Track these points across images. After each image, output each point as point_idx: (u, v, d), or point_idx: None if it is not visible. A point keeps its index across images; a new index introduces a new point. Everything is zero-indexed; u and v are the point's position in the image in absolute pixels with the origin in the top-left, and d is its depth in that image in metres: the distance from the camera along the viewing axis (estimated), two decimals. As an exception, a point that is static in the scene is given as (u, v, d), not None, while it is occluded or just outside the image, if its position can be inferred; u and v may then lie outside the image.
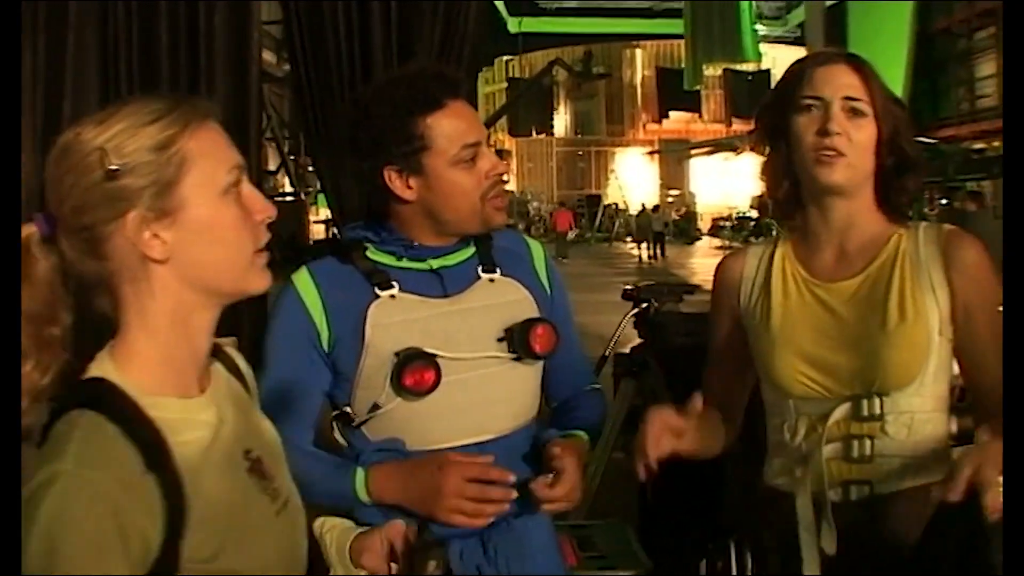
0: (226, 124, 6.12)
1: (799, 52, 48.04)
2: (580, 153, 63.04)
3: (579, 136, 64.04)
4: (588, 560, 4.18)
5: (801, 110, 2.42)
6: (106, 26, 8.36)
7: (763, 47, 52.53)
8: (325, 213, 21.05)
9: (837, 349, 2.40)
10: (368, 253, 2.54)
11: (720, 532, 2.76)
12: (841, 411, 2.39)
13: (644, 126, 63.07)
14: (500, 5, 56.89)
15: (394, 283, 2.48)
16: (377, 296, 2.46)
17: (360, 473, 2.41)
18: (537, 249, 2.75)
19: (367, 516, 2.39)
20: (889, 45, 33.03)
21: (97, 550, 1.44)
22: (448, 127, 2.43)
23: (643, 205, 41.59)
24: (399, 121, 2.42)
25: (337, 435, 2.56)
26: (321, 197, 19.83)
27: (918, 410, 2.37)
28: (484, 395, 2.48)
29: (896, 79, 32.24)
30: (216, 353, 1.81)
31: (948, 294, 2.35)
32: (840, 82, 2.41)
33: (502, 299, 2.55)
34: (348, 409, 2.51)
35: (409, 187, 2.46)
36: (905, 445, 2.37)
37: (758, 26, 52.79)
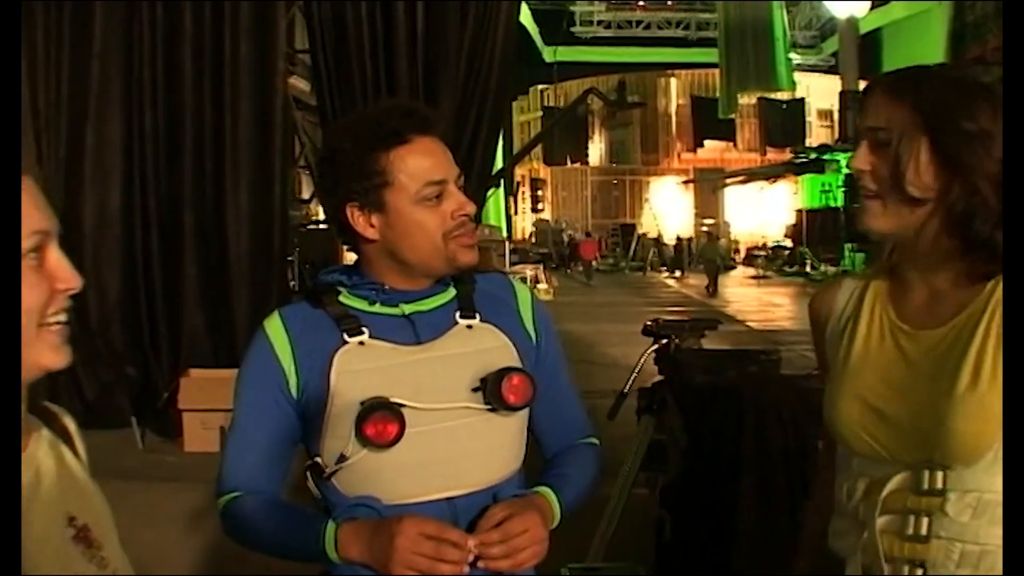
0: (251, 152, 6.12)
1: (833, 81, 48.29)
2: (615, 182, 62.98)
3: (614, 165, 63.97)
4: (601, 605, 4.11)
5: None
6: (131, 54, 8.40)
7: (797, 76, 52.45)
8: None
9: (903, 407, 2.13)
10: (341, 298, 2.47)
11: (734, 574, 2.66)
12: (898, 480, 2.13)
13: (678, 155, 62.97)
14: (535, 34, 57.04)
15: (364, 329, 2.40)
16: (345, 342, 2.38)
17: (331, 529, 2.31)
18: (524, 294, 2.65)
19: (338, 571, 2.34)
20: (923, 75, 33.06)
21: None
22: (411, 163, 2.36)
23: (709, 234, 40.64)
24: (361, 156, 2.36)
25: (310, 486, 2.47)
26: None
27: (988, 490, 2.04)
28: (456, 448, 2.38)
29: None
30: (49, 420, 1.74)
31: None
32: (867, 111, 2.17)
33: (479, 346, 2.45)
34: (318, 459, 2.43)
35: (372, 225, 2.40)
36: (968, 529, 2.05)
37: (792, 55, 52.72)
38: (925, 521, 2.08)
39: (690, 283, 39.45)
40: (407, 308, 2.45)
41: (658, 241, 52.74)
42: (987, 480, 2.03)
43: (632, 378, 5.82)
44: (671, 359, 5.41)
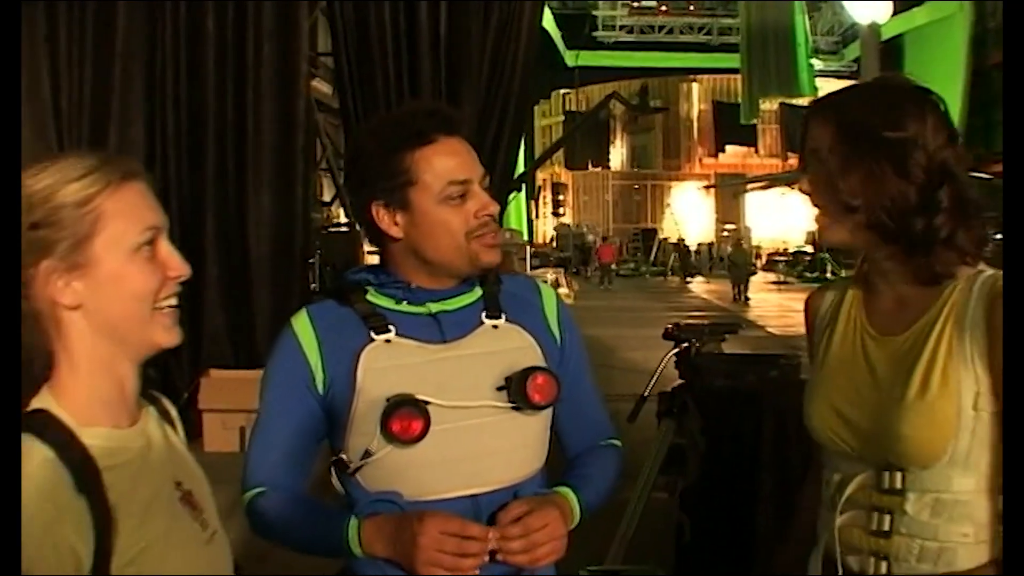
0: (273, 154, 6.14)
1: (856, 87, 47.87)
2: (636, 187, 63.07)
3: (635, 169, 64.07)
4: (619, 607, 4.11)
5: None
6: (153, 55, 8.42)
7: (819, 81, 52.23)
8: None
9: (864, 411, 2.24)
10: (368, 296, 2.48)
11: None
12: (863, 478, 2.25)
13: (700, 160, 63.06)
14: (557, 38, 57.06)
15: (391, 327, 2.42)
16: (372, 340, 2.40)
17: (353, 525, 2.32)
18: (549, 295, 2.66)
19: (360, 567, 2.36)
20: (944, 80, 32.87)
21: (32, 565, 1.54)
22: (436, 163, 2.38)
23: (739, 240, 40.34)
24: (386, 155, 2.39)
25: (335, 482, 2.49)
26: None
27: (945, 490, 2.15)
28: (480, 446, 2.39)
29: (951, 114, 32.04)
30: (153, 400, 1.97)
31: (988, 363, 2.10)
32: (807, 135, 2.34)
33: (504, 346, 2.47)
34: (344, 456, 2.45)
35: (396, 223, 2.42)
36: (927, 527, 2.17)
37: (814, 61, 52.65)
38: (887, 518, 2.21)
39: (711, 288, 39.42)
40: (433, 307, 2.47)
41: (678, 246, 52.71)
42: (944, 481, 2.15)
43: (652, 382, 5.81)
44: (691, 363, 5.40)
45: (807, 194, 2.32)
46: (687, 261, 47.82)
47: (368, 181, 2.43)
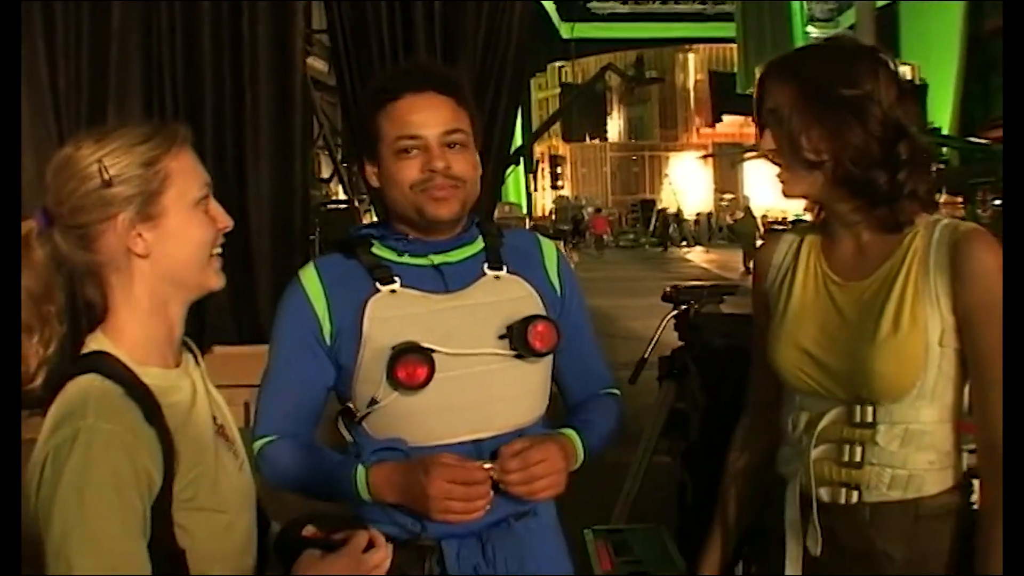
0: (271, 131, 6.15)
1: (852, 53, 47.73)
2: (634, 158, 62.99)
3: (633, 141, 63.98)
4: (623, 564, 4.16)
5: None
6: (149, 34, 8.41)
7: (816, 49, 52.23)
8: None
9: (835, 352, 2.35)
10: (373, 249, 2.56)
11: (758, 534, 2.72)
12: (835, 414, 2.37)
13: (697, 130, 62.95)
14: (552, 10, 56.85)
15: (396, 278, 2.49)
16: (378, 290, 2.47)
17: (361, 472, 2.40)
18: (549, 248, 2.74)
19: (370, 513, 2.41)
20: (940, 46, 32.87)
21: (118, 488, 1.79)
22: (394, 118, 2.48)
23: (747, 208, 40.16)
24: (365, 115, 2.53)
25: (342, 430, 2.57)
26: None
27: (913, 421, 2.30)
28: (483, 392, 2.47)
29: (948, 80, 32.00)
30: (185, 344, 2.17)
31: (951, 303, 2.25)
32: (763, 96, 2.45)
33: (505, 296, 2.54)
34: (350, 404, 2.52)
35: (374, 175, 2.55)
36: (896, 456, 2.32)
37: (809, 28, 52.43)
38: (859, 449, 2.34)
39: (710, 258, 39.40)
40: (436, 259, 2.55)
41: (677, 216, 52.67)
42: (912, 413, 2.30)
43: (653, 343, 5.86)
44: (690, 324, 5.45)
45: (769, 151, 2.41)
46: (666, 232, 48.15)
47: (359, 140, 2.57)
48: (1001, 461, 2.17)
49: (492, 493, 2.34)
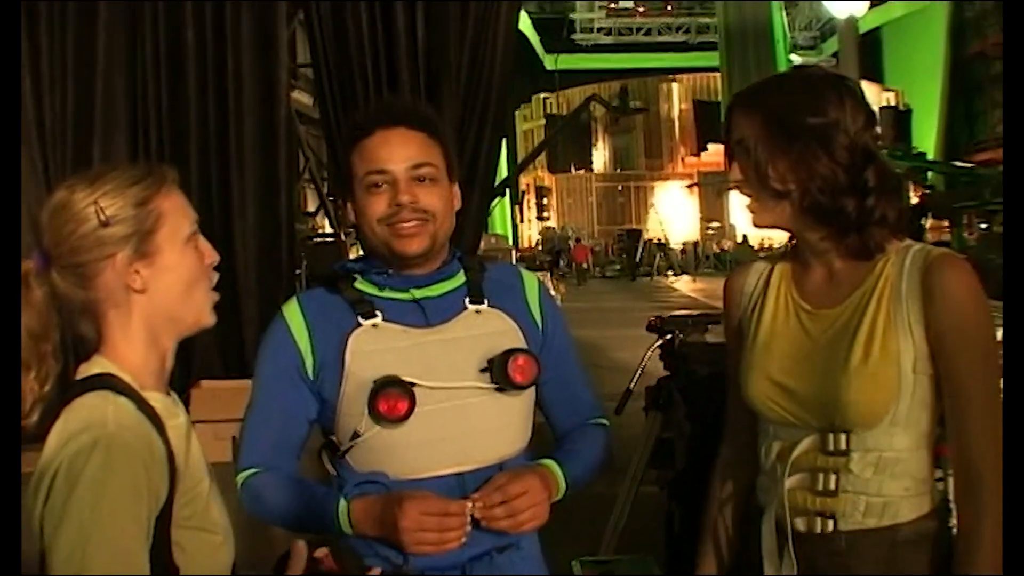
0: (256, 165, 6.19)
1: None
2: (619, 188, 62.99)
3: (618, 171, 63.98)
4: (610, 595, 4.15)
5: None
6: (134, 69, 8.43)
7: (799, 77, 52.41)
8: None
9: (806, 380, 2.35)
10: (356, 284, 2.58)
11: (746, 566, 2.72)
12: (808, 442, 2.36)
13: (683, 159, 63.00)
14: (536, 42, 57.07)
15: (378, 312, 2.51)
16: (360, 324, 2.49)
17: (343, 506, 2.42)
18: (531, 281, 2.75)
19: (354, 546, 2.40)
20: (924, 71, 33.04)
21: (135, 494, 1.85)
22: (364, 153, 2.51)
23: (744, 236, 40.03)
24: (342, 150, 2.59)
25: (325, 463, 2.59)
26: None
27: (887, 448, 2.30)
28: (465, 425, 2.48)
29: (932, 105, 32.15)
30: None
31: (924, 329, 2.25)
32: (731, 127, 2.45)
33: (487, 330, 2.55)
34: (333, 438, 2.54)
35: (352, 212, 2.57)
36: (871, 483, 2.32)
37: (793, 56, 52.74)
38: (833, 477, 2.33)
39: (698, 287, 39.39)
40: (417, 293, 2.56)
41: (662, 245, 52.70)
42: (886, 440, 2.29)
43: (638, 373, 5.86)
44: (676, 353, 5.45)
45: (737, 183, 2.43)
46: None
47: (338, 178, 2.58)
48: (977, 485, 2.18)
49: (470, 527, 2.34)
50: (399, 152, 2.50)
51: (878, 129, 2.39)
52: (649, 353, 5.69)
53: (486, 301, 2.59)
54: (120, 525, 1.83)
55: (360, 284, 2.59)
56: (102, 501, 1.81)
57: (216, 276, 2.19)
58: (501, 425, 2.55)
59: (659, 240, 54.06)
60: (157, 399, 2.05)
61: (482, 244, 9.35)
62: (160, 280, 2.07)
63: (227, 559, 2.13)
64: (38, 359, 1.93)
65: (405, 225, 2.49)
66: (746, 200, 2.45)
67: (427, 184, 2.52)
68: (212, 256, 2.17)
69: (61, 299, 2.03)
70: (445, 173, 2.57)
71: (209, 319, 2.16)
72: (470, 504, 2.34)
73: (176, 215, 2.10)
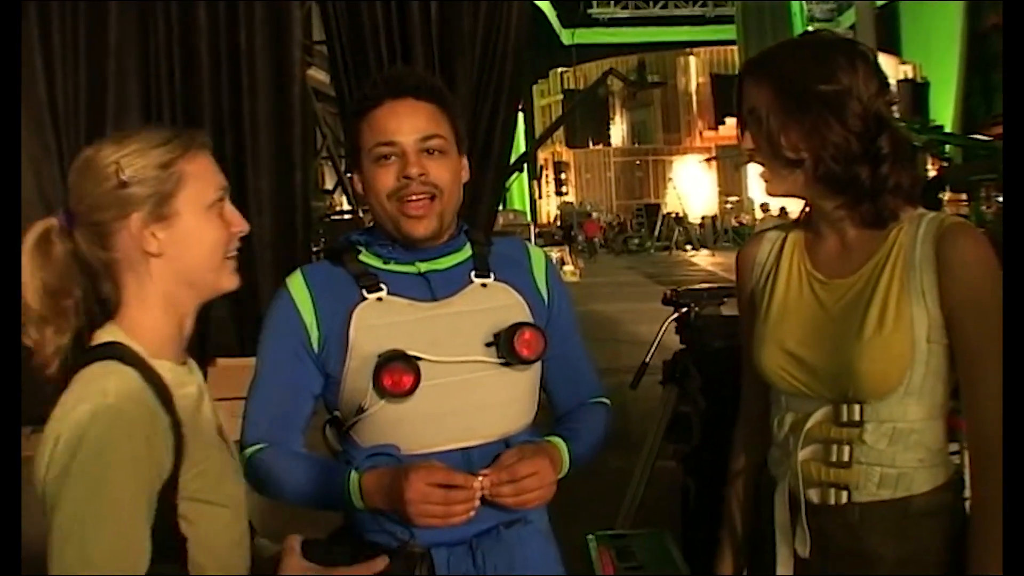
0: (271, 143, 6.16)
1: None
2: (637, 162, 62.83)
3: (636, 145, 63.84)
4: (626, 570, 4.15)
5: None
6: (147, 48, 8.42)
7: (817, 50, 52.11)
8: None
9: (820, 350, 2.34)
10: (360, 256, 2.56)
11: (762, 539, 2.70)
12: (821, 413, 2.35)
13: (700, 133, 62.78)
14: (553, 17, 56.86)
15: (382, 286, 2.49)
16: (364, 298, 2.47)
17: (354, 479, 2.40)
18: (538, 256, 2.74)
19: (361, 521, 2.44)
20: (941, 44, 32.77)
21: (135, 465, 1.85)
22: (373, 125, 2.48)
23: (765, 206, 40.13)
24: (350, 123, 2.55)
25: (330, 439, 2.57)
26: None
27: (901, 419, 2.29)
28: (470, 399, 2.46)
29: (949, 78, 31.93)
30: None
31: (938, 298, 2.23)
32: (742, 96, 2.43)
33: (493, 304, 2.54)
34: (338, 413, 2.53)
35: (360, 184, 2.54)
36: (884, 455, 2.30)
37: (810, 28, 52.35)
38: (847, 449, 2.32)
39: (716, 260, 39.33)
40: (423, 266, 2.54)
41: (681, 220, 52.62)
42: (899, 411, 2.27)
43: (654, 347, 5.85)
44: (691, 326, 5.44)
45: (750, 152, 2.40)
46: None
47: (348, 151, 2.60)
48: (992, 456, 2.15)
49: (479, 503, 2.33)
50: (408, 123, 2.48)
51: (893, 94, 2.36)
52: (665, 327, 5.67)
53: (492, 275, 2.58)
54: (119, 496, 1.83)
55: (365, 257, 2.57)
56: (102, 472, 1.82)
57: (238, 243, 2.19)
58: (507, 400, 2.53)
59: (677, 214, 53.99)
60: (168, 367, 2.04)
61: (500, 220, 9.34)
62: (178, 245, 2.07)
63: (237, 536, 2.13)
64: (56, 313, 2.01)
65: (414, 203, 2.47)
66: (760, 170, 2.43)
67: (436, 156, 2.50)
68: (240, 225, 2.17)
69: (83, 258, 2.05)
70: (454, 145, 2.55)
71: (230, 283, 2.17)
72: (478, 481, 2.33)
73: (199, 179, 2.09)
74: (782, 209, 25.43)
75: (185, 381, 2.09)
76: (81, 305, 2.06)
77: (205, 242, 2.10)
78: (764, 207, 37.39)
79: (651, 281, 28.20)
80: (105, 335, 2.04)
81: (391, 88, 2.51)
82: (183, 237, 2.07)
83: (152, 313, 2.07)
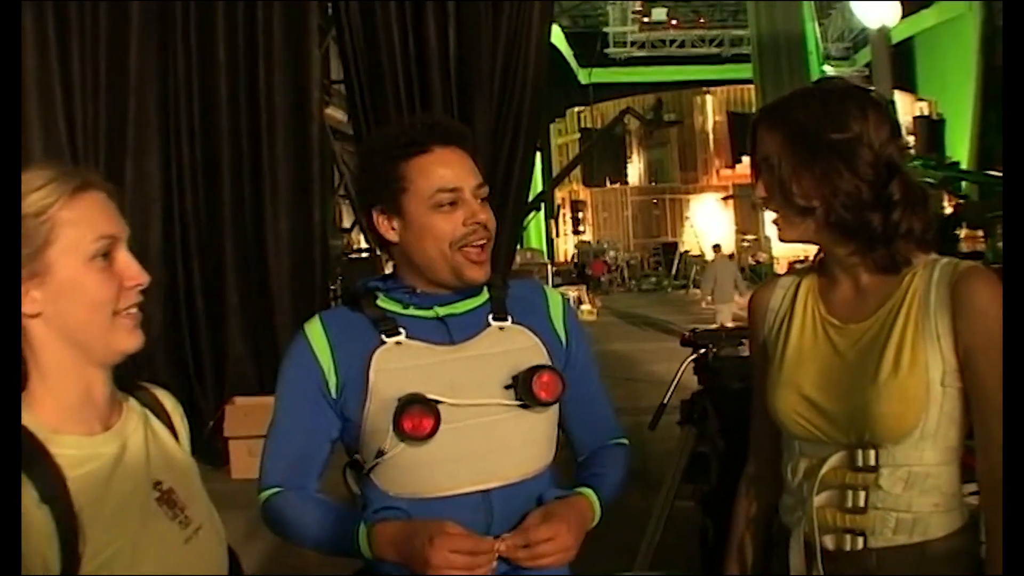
0: (289, 180, 6.23)
1: (870, 92, 47.73)
2: (654, 201, 62.75)
3: (653, 184, 63.80)
4: (645, 611, 4.12)
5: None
6: (166, 87, 8.48)
7: (833, 88, 52.10)
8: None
9: (835, 395, 2.34)
10: (378, 301, 2.58)
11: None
12: (836, 459, 2.35)
13: (717, 171, 62.66)
14: (569, 56, 57.03)
15: (401, 330, 2.50)
16: (383, 343, 2.48)
17: (363, 532, 2.41)
18: (555, 299, 2.76)
19: (379, 567, 2.44)
20: (957, 80, 32.78)
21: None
22: (428, 170, 2.47)
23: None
24: (385, 164, 2.50)
25: (349, 482, 2.59)
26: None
27: (916, 463, 2.29)
28: (490, 442, 2.47)
29: (965, 114, 31.91)
30: (141, 395, 2.08)
31: (953, 342, 2.23)
32: (755, 145, 2.44)
33: (511, 346, 2.55)
34: (358, 456, 2.54)
35: (392, 228, 2.52)
36: (900, 499, 2.30)
37: (826, 67, 52.45)
38: (862, 494, 2.32)
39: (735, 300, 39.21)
40: (441, 311, 2.56)
41: (699, 259, 52.59)
42: (915, 455, 2.28)
43: (672, 388, 5.85)
44: (709, 367, 5.44)
45: (763, 200, 2.43)
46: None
47: (370, 188, 2.54)
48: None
49: (496, 562, 2.34)
50: (463, 171, 2.52)
51: (909, 139, 2.37)
52: (683, 368, 5.67)
53: (510, 318, 2.60)
54: None
55: (382, 302, 2.59)
56: None
57: (138, 297, 1.94)
58: (526, 441, 2.54)
59: (695, 254, 53.98)
60: (70, 443, 1.82)
61: (517, 259, 9.34)
62: (57, 303, 1.83)
63: None
64: None
65: (475, 249, 2.50)
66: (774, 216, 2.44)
67: (485, 204, 2.54)
68: (137, 278, 1.93)
69: None
70: None
71: (128, 343, 1.92)
72: (499, 545, 2.33)
73: (77, 228, 1.84)
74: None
75: (96, 453, 1.86)
76: None
77: (86, 299, 1.85)
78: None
79: (670, 320, 28.10)
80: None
81: (438, 135, 2.52)
82: (61, 294, 1.82)
83: (49, 382, 1.84)
